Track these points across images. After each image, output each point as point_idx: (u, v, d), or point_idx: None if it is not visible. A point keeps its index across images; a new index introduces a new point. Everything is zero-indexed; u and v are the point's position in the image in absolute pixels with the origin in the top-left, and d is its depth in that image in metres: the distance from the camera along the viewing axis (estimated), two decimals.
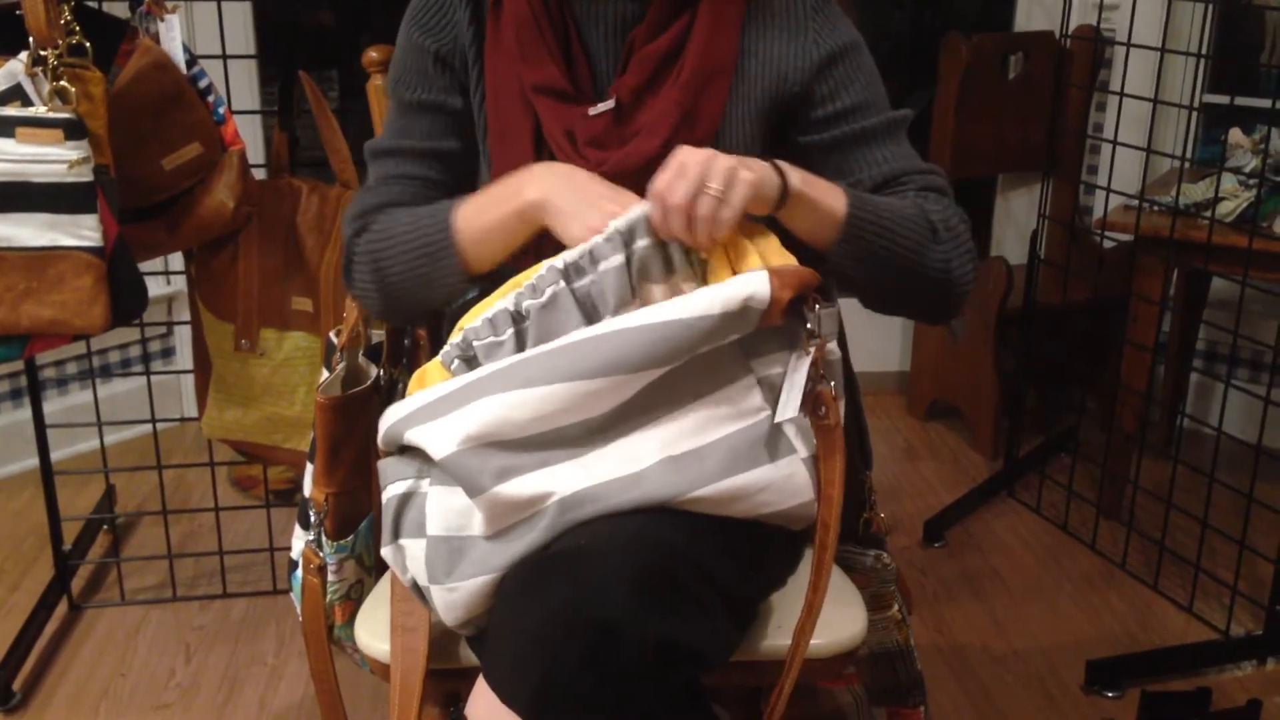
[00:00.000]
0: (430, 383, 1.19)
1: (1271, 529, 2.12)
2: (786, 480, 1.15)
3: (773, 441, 1.15)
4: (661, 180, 1.10)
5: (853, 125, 1.30)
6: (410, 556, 1.16)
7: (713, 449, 1.12)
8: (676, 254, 1.15)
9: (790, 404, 1.14)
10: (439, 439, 1.12)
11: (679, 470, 1.11)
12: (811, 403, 1.15)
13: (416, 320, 1.40)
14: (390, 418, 1.19)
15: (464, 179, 1.35)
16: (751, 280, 1.11)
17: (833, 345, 1.18)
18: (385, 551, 1.19)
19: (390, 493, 1.19)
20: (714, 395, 1.14)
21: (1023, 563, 2.44)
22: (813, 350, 1.14)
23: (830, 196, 1.20)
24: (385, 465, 1.21)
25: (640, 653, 0.98)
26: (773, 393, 1.16)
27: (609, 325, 1.11)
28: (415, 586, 1.18)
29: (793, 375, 1.15)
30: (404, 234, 1.26)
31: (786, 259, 1.16)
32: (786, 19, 1.30)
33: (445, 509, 1.14)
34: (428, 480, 1.17)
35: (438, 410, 1.14)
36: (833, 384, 1.16)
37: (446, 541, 1.13)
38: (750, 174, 1.11)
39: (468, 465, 1.10)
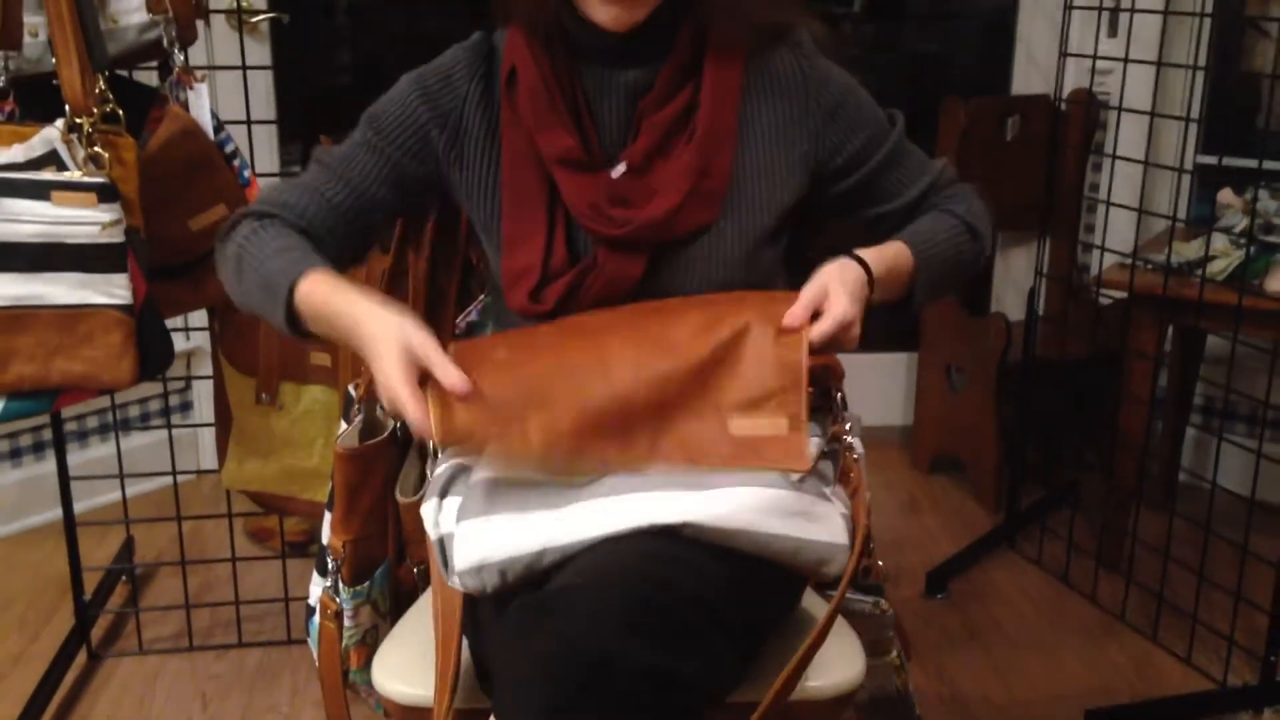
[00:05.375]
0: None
1: (1267, 581, 2.16)
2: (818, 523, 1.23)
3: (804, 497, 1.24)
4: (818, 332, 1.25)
5: (873, 161, 1.40)
6: (445, 512, 1.23)
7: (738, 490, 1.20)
8: None
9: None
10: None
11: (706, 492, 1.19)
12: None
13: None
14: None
15: (371, 226, 1.41)
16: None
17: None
18: (426, 507, 1.26)
19: (445, 466, 1.30)
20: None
21: (1024, 614, 2.47)
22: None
23: (900, 258, 1.36)
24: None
25: (635, 682, 1.04)
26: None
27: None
28: (440, 542, 1.24)
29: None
30: (264, 258, 1.31)
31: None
32: (783, 84, 1.37)
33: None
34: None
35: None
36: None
37: (494, 483, 1.23)
38: (858, 304, 1.27)
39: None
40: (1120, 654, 2.33)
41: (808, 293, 1.27)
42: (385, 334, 1.20)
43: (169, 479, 2.35)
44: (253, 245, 1.33)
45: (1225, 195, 2.48)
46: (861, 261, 1.31)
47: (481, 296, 1.54)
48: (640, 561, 1.12)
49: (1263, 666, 2.16)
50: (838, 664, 1.31)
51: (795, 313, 1.25)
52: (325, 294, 1.26)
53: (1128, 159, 2.48)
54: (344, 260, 1.40)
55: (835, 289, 1.26)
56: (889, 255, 1.35)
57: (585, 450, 1.20)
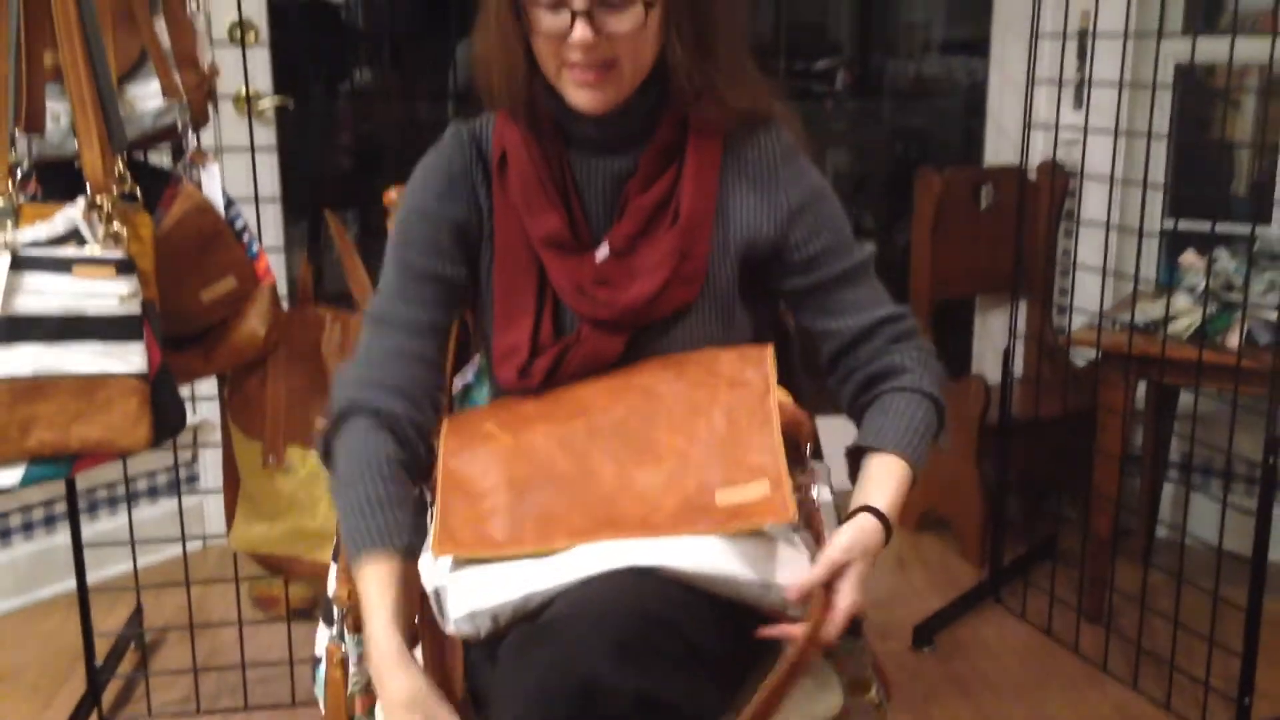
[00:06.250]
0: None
1: (1239, 626, 2.23)
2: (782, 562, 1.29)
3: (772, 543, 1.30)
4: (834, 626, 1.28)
5: (828, 269, 1.43)
6: (439, 565, 1.30)
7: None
8: None
9: None
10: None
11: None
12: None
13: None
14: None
15: (441, 357, 1.44)
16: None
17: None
18: (422, 561, 1.32)
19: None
20: None
21: (1008, 665, 2.53)
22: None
23: (896, 479, 1.37)
24: None
25: (621, 706, 1.11)
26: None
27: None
28: (435, 594, 1.30)
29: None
30: (349, 506, 1.31)
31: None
32: (758, 171, 1.43)
33: None
34: None
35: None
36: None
37: None
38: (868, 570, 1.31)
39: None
40: (1103, 702, 2.39)
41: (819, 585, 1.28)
42: (402, 700, 1.21)
43: (176, 551, 2.41)
44: (346, 471, 1.34)
45: (1188, 257, 2.60)
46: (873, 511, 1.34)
47: (476, 356, 1.63)
48: (624, 594, 1.20)
49: (1237, 709, 2.22)
50: (814, 696, 1.38)
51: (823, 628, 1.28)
52: (367, 601, 1.27)
53: (1092, 224, 2.59)
54: (434, 409, 1.42)
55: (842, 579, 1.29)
56: (889, 484, 1.37)
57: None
